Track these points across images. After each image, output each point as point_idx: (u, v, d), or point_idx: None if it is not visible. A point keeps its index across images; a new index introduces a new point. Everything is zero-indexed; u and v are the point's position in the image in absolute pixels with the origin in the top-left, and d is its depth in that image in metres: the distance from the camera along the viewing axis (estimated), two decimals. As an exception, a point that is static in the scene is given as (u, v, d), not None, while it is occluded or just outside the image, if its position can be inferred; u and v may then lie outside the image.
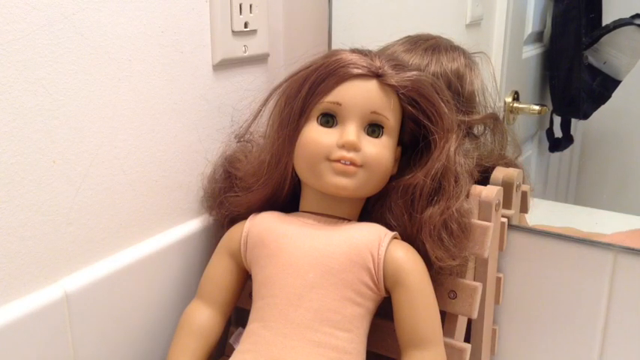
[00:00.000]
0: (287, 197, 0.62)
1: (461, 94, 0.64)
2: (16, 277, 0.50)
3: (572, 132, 0.78)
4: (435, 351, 0.55)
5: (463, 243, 0.58)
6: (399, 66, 0.57)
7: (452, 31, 0.73)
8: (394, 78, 0.55)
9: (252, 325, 0.56)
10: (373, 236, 0.56)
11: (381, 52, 0.63)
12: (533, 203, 0.71)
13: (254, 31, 0.71)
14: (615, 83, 0.74)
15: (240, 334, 0.59)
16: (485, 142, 0.67)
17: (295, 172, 0.59)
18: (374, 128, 0.56)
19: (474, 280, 0.63)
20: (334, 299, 0.54)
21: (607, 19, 0.75)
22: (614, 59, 0.80)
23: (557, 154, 0.78)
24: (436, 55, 0.64)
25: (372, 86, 0.55)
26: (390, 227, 0.58)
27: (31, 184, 0.50)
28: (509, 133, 0.69)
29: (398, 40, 0.67)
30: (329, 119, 0.56)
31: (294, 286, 0.54)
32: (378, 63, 0.56)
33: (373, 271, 0.55)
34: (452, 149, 0.57)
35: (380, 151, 0.56)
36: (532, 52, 0.86)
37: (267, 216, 0.60)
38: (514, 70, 0.82)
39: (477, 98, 0.67)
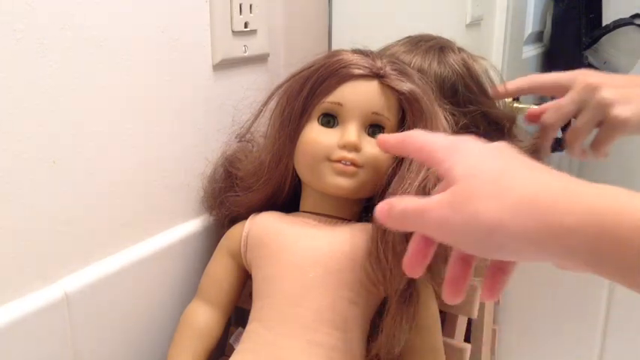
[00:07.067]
0: (287, 197, 0.62)
1: (466, 92, 0.64)
2: (16, 277, 0.50)
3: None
4: (433, 353, 0.55)
5: None
6: (401, 67, 0.57)
7: (452, 31, 0.73)
8: (394, 82, 0.55)
9: (252, 325, 0.56)
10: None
11: (382, 53, 0.63)
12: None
13: (254, 31, 0.71)
14: (615, 83, 0.74)
15: (240, 334, 0.59)
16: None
17: (296, 172, 0.59)
18: (375, 129, 0.56)
19: (474, 279, 0.63)
20: (334, 299, 0.54)
21: (607, 19, 0.75)
22: (614, 59, 0.80)
23: (557, 155, 0.78)
24: (437, 55, 0.64)
25: (373, 87, 0.55)
26: None
27: (31, 184, 0.50)
28: (521, 134, 0.68)
29: (399, 41, 0.67)
30: (330, 119, 0.56)
31: (294, 286, 0.54)
32: (379, 64, 0.56)
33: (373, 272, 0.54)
34: None
35: (380, 151, 0.56)
36: (532, 52, 0.87)
37: (268, 216, 0.60)
38: (514, 70, 0.82)
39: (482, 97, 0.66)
